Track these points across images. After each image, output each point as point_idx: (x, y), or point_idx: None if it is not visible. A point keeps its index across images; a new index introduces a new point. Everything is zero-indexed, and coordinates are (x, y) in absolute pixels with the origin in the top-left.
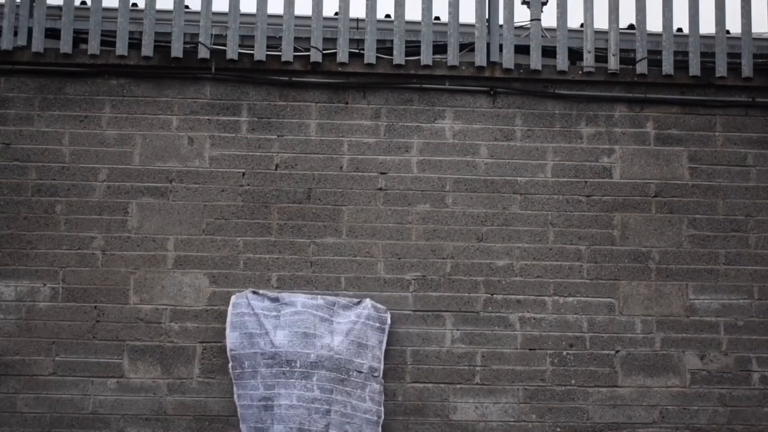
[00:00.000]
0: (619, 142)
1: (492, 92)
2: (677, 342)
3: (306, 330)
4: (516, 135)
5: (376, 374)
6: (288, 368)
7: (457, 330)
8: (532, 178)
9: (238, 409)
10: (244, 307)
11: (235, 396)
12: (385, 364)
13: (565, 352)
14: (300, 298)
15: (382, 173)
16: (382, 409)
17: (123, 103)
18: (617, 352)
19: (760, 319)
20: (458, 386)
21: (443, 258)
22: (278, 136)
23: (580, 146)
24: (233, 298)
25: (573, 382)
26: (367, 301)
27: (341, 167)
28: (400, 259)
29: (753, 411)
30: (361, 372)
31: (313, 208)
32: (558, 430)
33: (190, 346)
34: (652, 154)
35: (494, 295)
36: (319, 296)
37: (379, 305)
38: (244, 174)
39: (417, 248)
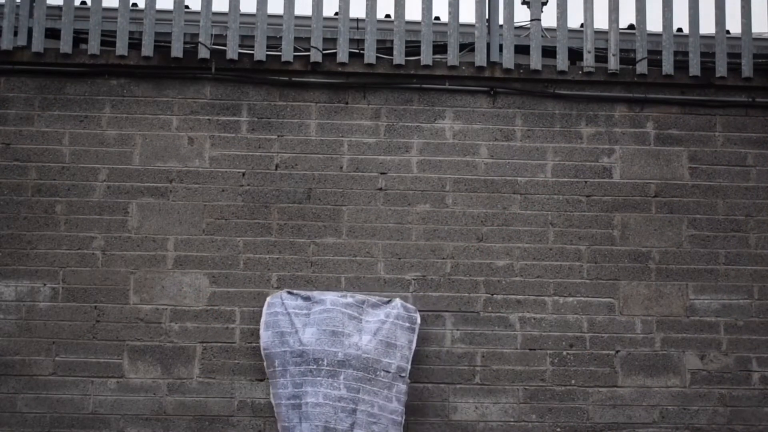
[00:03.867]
0: (619, 142)
1: (492, 92)
2: (677, 342)
3: (334, 328)
4: (516, 135)
5: (403, 374)
6: (315, 366)
7: (457, 330)
8: (532, 178)
9: (274, 408)
10: (278, 306)
11: (271, 395)
12: None
13: (565, 352)
14: (329, 296)
15: (382, 173)
16: (404, 409)
17: (123, 103)
18: (617, 352)
19: (760, 319)
20: (458, 386)
21: (443, 258)
22: (278, 136)
23: (580, 146)
24: (269, 299)
25: (573, 382)
26: (397, 301)
27: (341, 167)
28: (400, 259)
29: (753, 411)
30: (389, 372)
31: (313, 208)
32: (558, 430)
33: (190, 346)
34: (652, 154)
35: (494, 295)
36: (348, 294)
37: (408, 305)
38: (244, 174)
39: (417, 248)
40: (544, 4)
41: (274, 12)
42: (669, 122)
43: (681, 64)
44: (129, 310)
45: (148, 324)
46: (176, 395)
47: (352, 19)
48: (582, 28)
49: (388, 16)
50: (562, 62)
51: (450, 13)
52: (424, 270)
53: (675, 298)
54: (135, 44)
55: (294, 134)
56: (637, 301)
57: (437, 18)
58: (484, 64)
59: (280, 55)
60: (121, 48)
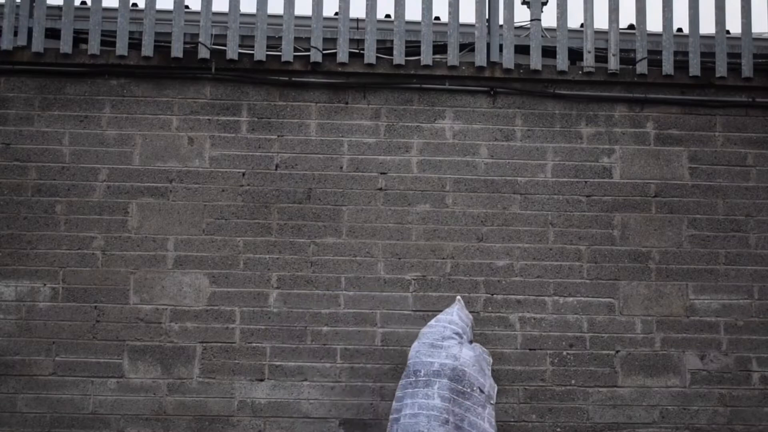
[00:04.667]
0: (619, 142)
1: (492, 92)
2: (677, 342)
3: (434, 341)
4: (516, 135)
5: (492, 402)
6: (414, 378)
7: None
8: (532, 178)
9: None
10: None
11: None
12: (384, 363)
13: (565, 352)
14: (441, 315)
15: (382, 173)
16: None
17: (123, 103)
18: (617, 352)
19: (760, 319)
20: None
21: (443, 258)
22: (278, 136)
23: (580, 146)
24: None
25: (573, 382)
26: (477, 345)
27: (341, 167)
28: (400, 259)
29: (753, 411)
30: (483, 392)
31: (313, 208)
32: (558, 430)
33: (190, 346)
34: (652, 154)
35: (494, 295)
36: (455, 314)
37: (484, 348)
38: (244, 174)
39: (417, 248)
40: (544, 4)
41: (274, 12)
42: (669, 122)
43: (681, 64)
44: (129, 310)
45: (148, 324)
46: (176, 395)
47: (352, 19)
48: (582, 28)
49: (388, 16)
50: (562, 62)
51: (450, 13)
52: (424, 270)
53: (675, 298)
54: (135, 44)
55: (294, 134)
56: (637, 301)
57: (437, 18)
58: (484, 64)
59: (280, 55)
60: (121, 48)
